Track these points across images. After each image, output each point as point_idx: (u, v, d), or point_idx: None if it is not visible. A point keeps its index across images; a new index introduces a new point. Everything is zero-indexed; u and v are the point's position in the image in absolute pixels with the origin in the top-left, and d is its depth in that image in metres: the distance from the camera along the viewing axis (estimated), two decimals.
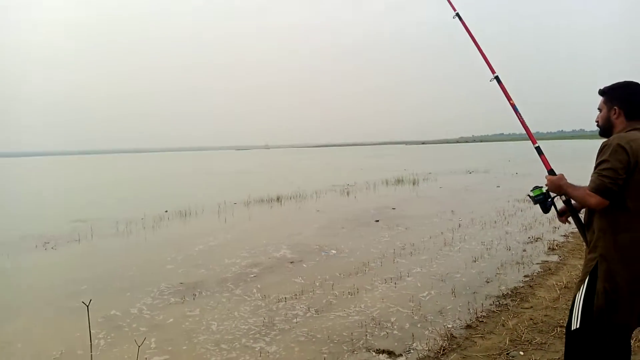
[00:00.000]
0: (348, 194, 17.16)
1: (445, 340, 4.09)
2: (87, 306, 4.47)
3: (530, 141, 3.11)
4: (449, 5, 3.67)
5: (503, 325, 4.34)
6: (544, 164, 2.87)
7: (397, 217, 11.14)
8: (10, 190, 27.16)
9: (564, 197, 2.64)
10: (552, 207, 2.75)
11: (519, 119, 3.12)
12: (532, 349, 3.80)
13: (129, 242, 9.63)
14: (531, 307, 4.79)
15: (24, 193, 24.01)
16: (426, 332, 4.34)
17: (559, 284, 5.38)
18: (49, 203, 18.35)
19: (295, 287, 5.95)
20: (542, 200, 2.76)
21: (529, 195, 2.85)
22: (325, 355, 3.97)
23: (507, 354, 3.74)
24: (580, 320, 2.42)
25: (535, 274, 6.05)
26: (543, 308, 4.71)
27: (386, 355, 3.91)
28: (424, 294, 5.45)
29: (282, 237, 9.27)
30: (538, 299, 5.02)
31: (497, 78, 3.23)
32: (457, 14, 3.55)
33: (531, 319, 4.41)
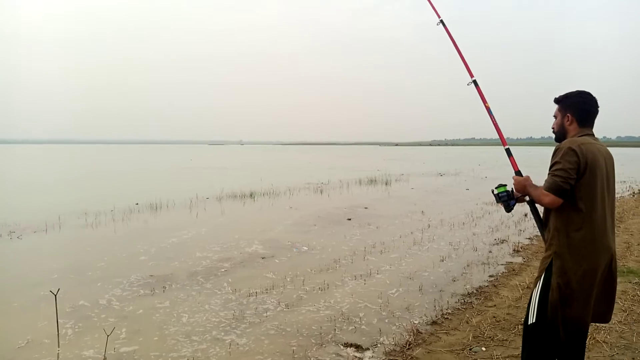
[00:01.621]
0: (321, 192, 17.25)
1: (411, 335, 4.22)
2: (55, 295, 4.45)
3: (501, 145, 3.26)
4: (433, 11, 3.79)
5: (467, 322, 4.49)
6: (512, 165, 3.01)
7: (369, 216, 11.29)
8: None
9: (527, 198, 2.78)
10: (514, 206, 2.87)
11: (492, 121, 3.26)
12: (494, 345, 3.95)
13: (97, 233, 9.47)
14: (494, 305, 4.97)
15: None
16: (393, 328, 4.46)
17: (521, 284, 5.58)
18: (16, 192, 17.82)
19: (266, 281, 5.99)
20: (506, 199, 2.87)
21: (492, 192, 2.96)
22: (294, 348, 4.05)
23: (470, 349, 3.88)
24: (537, 314, 2.57)
25: (499, 274, 6.26)
26: (506, 307, 4.89)
27: (354, 349, 4.01)
28: (393, 291, 5.58)
29: (255, 232, 9.29)
30: (501, 298, 5.21)
31: (474, 82, 3.37)
32: (442, 21, 3.67)
33: (494, 317, 4.58)
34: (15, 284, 5.97)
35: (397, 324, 4.54)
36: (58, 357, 3.91)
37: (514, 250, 7.59)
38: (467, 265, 6.69)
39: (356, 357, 3.85)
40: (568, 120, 2.71)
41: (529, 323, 2.62)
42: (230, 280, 6.09)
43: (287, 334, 4.37)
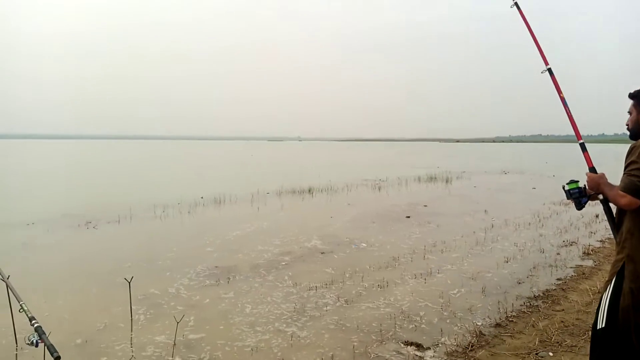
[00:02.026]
0: (379, 189, 17.17)
1: (474, 337, 4.14)
2: (129, 283, 4.73)
3: (570, 142, 3.12)
4: None
5: (533, 326, 4.35)
6: (587, 160, 2.84)
7: (429, 214, 11.12)
8: (44, 171, 28.25)
9: (601, 196, 2.60)
10: (585, 204, 2.71)
11: (567, 113, 3.03)
12: (562, 350, 3.81)
13: (166, 225, 9.97)
14: (563, 310, 4.77)
15: (55, 174, 24.98)
16: (455, 328, 4.39)
17: (592, 288, 5.32)
18: (84, 184, 19.05)
19: (325, 276, 6.07)
20: (577, 196, 2.73)
21: (563, 188, 2.82)
22: (354, 343, 4.08)
23: (537, 354, 3.76)
24: (606, 320, 2.44)
25: (568, 277, 5.99)
26: (575, 312, 4.68)
27: (414, 348, 3.98)
28: (454, 291, 5.48)
29: (313, 228, 9.41)
30: (570, 302, 4.99)
31: (549, 70, 3.17)
32: (516, 3, 3.46)
33: (562, 322, 4.41)
34: (93, 271, 6.39)
35: (459, 325, 4.46)
36: (132, 340, 4.16)
37: (584, 253, 7.23)
38: (533, 268, 6.45)
39: (417, 355, 3.83)
40: None
41: (597, 328, 2.49)
42: (290, 273, 6.22)
43: (347, 329, 4.41)
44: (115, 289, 5.33)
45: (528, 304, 5.04)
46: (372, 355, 3.85)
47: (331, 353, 3.88)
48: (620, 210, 2.53)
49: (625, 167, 2.42)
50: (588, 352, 3.71)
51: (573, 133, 3.09)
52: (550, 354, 3.76)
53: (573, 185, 2.76)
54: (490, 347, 3.95)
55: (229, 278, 5.99)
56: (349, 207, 12.68)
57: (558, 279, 5.92)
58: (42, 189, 17.39)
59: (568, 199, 2.79)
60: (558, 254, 7.23)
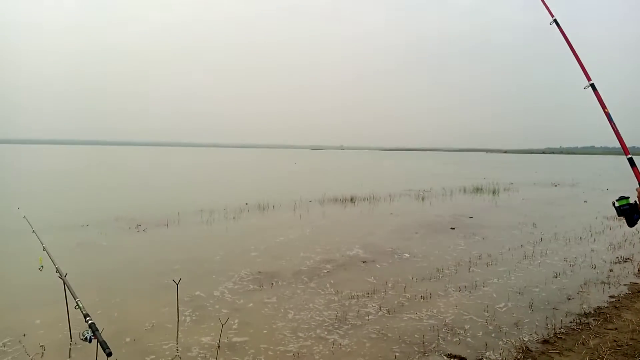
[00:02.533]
0: (423, 199, 16.95)
1: (520, 352, 4.03)
2: (177, 284, 4.90)
3: (623, 154, 3.04)
4: (546, 11, 3.64)
5: (583, 344, 4.19)
6: (636, 176, 2.83)
7: (474, 226, 10.88)
8: (87, 174, 29.48)
9: None
10: (639, 220, 2.71)
11: (613, 128, 3.06)
12: None
13: (212, 229, 10.23)
14: (615, 328, 4.57)
15: (97, 179, 26.04)
16: (500, 343, 4.29)
17: None
18: (131, 189, 19.79)
19: (367, 286, 6.06)
20: (628, 212, 2.73)
21: (613, 204, 2.83)
22: (396, 354, 4.06)
23: None
24: None
25: (622, 295, 5.73)
26: (629, 331, 4.47)
27: None
28: (500, 305, 5.35)
29: (356, 236, 9.41)
30: (624, 321, 4.77)
31: (592, 85, 3.19)
32: (555, 20, 3.56)
33: (615, 341, 4.22)
34: (143, 272, 6.66)
35: (504, 340, 4.36)
36: (178, 341, 4.30)
37: (639, 270, 6.89)
38: (584, 284, 6.20)
39: None
40: None
41: None
42: (332, 281, 6.25)
43: (389, 339, 4.40)
44: (163, 290, 5.53)
45: (578, 321, 4.86)
46: None
47: None
48: None
49: None
50: None
51: (629, 145, 3.02)
52: None
53: (623, 202, 2.77)
54: None
55: (271, 283, 6.08)
56: (392, 216, 12.59)
57: (611, 297, 5.67)
58: (90, 192, 18.19)
59: (619, 215, 2.79)
60: (611, 270, 6.92)
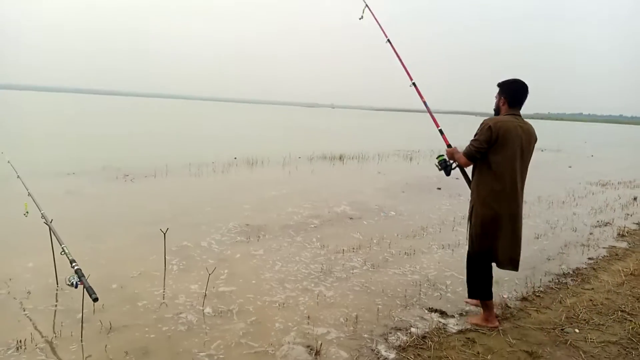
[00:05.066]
0: (411, 159, 17.03)
1: (499, 308, 4.15)
2: (164, 233, 4.91)
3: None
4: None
5: (560, 302, 4.34)
6: (444, 140, 4.04)
7: (460, 187, 10.81)
8: (74, 123, 28.98)
9: (456, 163, 3.81)
10: (451, 170, 3.87)
11: (429, 113, 4.41)
12: (589, 328, 3.80)
13: (200, 182, 10.23)
14: (592, 288, 4.73)
15: (86, 127, 25.64)
16: None
17: (625, 269, 5.24)
18: (120, 139, 19.54)
19: (353, 241, 6.14)
20: (444, 165, 3.86)
21: (435, 163, 3.99)
22: (379, 306, 4.16)
23: (562, 329, 3.76)
24: (470, 245, 3.70)
25: (600, 257, 5.89)
26: (605, 291, 4.64)
27: (438, 315, 4.03)
28: None
29: (343, 194, 9.45)
30: (600, 282, 4.94)
31: (414, 84, 4.45)
32: (388, 40, 4.63)
33: (591, 300, 4.38)
34: (129, 221, 6.65)
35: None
36: (165, 288, 4.35)
37: (619, 234, 7.06)
38: (565, 246, 6.36)
39: (440, 322, 3.88)
40: (502, 101, 3.56)
41: (468, 251, 3.76)
42: (319, 236, 6.32)
43: (372, 292, 4.49)
44: (150, 239, 5.52)
45: (557, 280, 5.01)
46: (396, 319, 3.92)
47: (355, 313, 3.97)
48: (473, 169, 3.61)
49: (474, 136, 3.47)
50: (615, 332, 3.74)
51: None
52: (577, 330, 3.75)
53: (440, 158, 3.89)
54: (515, 319, 3.97)
55: (259, 236, 6.13)
56: (380, 175, 12.66)
57: (589, 258, 5.83)
58: (77, 140, 17.93)
59: (440, 170, 3.89)
60: (591, 233, 7.09)
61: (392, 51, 4.51)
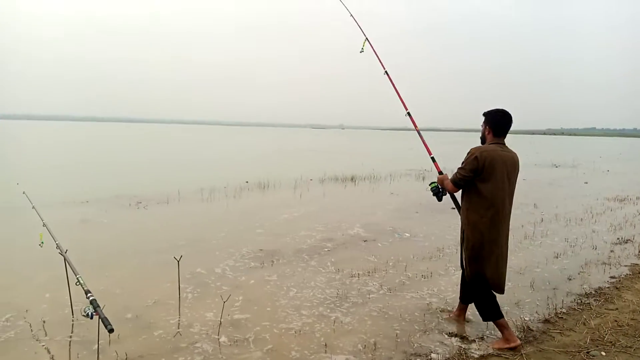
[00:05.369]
0: (424, 179, 16.91)
1: (521, 332, 4.05)
2: (178, 261, 4.89)
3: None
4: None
5: (584, 324, 4.21)
6: (436, 168, 4.32)
7: None
8: (83, 152, 29.36)
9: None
10: (442, 196, 4.09)
11: (423, 142, 4.59)
12: (615, 350, 3.67)
13: (212, 207, 10.24)
14: (616, 309, 4.59)
15: (95, 155, 25.96)
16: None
17: None
18: (130, 166, 19.68)
19: (368, 264, 6.06)
20: (436, 191, 4.10)
21: (429, 189, 4.24)
22: (397, 332, 4.08)
23: (587, 352, 3.64)
24: (461, 263, 3.98)
25: (622, 276, 5.74)
26: (630, 311, 4.49)
27: (458, 339, 3.94)
28: None
29: (356, 215, 9.40)
30: (624, 301, 4.79)
31: (409, 114, 4.77)
32: (386, 72, 4.87)
33: (616, 321, 4.24)
34: (144, 249, 6.65)
35: (505, 319, 4.36)
36: (180, 317, 4.31)
37: None
38: (585, 264, 6.21)
39: (461, 347, 3.78)
40: (487, 130, 3.76)
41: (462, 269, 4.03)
42: (333, 259, 6.26)
43: (390, 317, 4.41)
44: (164, 267, 5.51)
45: (579, 301, 4.87)
46: (415, 345, 3.83)
47: (373, 340, 3.88)
48: (462, 194, 3.83)
49: (461, 163, 3.69)
50: None
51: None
52: (603, 353, 3.63)
53: (433, 185, 4.14)
54: (538, 343, 3.85)
55: (272, 261, 6.09)
56: (393, 196, 12.59)
57: (611, 277, 5.68)
58: (86, 168, 18.09)
59: (433, 195, 4.12)
60: (612, 251, 6.93)
61: (389, 82, 4.84)
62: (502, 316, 3.76)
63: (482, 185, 3.59)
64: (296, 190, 13.12)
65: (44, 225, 4.22)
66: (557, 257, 6.54)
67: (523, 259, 6.42)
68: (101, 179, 14.71)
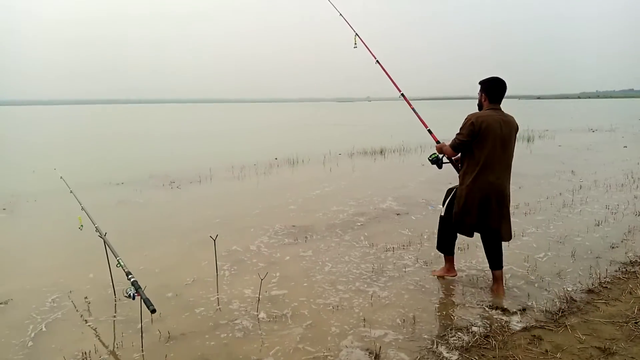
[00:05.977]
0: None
1: (564, 302, 3.95)
2: (214, 240, 4.94)
3: None
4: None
5: (630, 293, 4.08)
6: (433, 138, 4.61)
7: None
8: (114, 134, 29.87)
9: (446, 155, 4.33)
10: (442, 164, 4.41)
11: (418, 117, 4.99)
12: None
13: (244, 185, 10.32)
14: None
15: (124, 138, 26.38)
16: (543, 293, 4.20)
17: None
18: (160, 147, 19.93)
19: (402, 238, 6.01)
20: (435, 161, 4.40)
21: (428, 159, 4.50)
22: (436, 305, 4.04)
23: (635, 322, 3.52)
24: (445, 211, 4.36)
25: None
26: None
27: (500, 312, 3.86)
28: (541, 255, 5.24)
29: (387, 189, 9.31)
30: None
31: (402, 95, 5.20)
32: (377, 61, 5.26)
33: None
34: (179, 229, 6.75)
35: (547, 290, 4.27)
36: (219, 295, 4.37)
37: None
38: (629, 232, 6.00)
39: (503, 319, 3.71)
40: (483, 98, 4.01)
41: (441, 214, 4.49)
42: (366, 234, 6.23)
43: (427, 290, 4.36)
44: (201, 245, 5.59)
45: (624, 269, 4.72)
46: (455, 318, 3.78)
47: (412, 314, 3.85)
48: (461, 157, 4.12)
49: (459, 129, 3.97)
50: None
51: None
52: None
53: (433, 156, 4.41)
54: (582, 313, 3.75)
55: (306, 237, 6.10)
56: (423, 167, 12.39)
57: None
58: (121, 151, 18.45)
59: (432, 164, 4.43)
60: None
61: (382, 70, 5.27)
62: (453, 254, 4.49)
63: (477, 149, 3.89)
64: (325, 165, 13.09)
65: (82, 209, 4.31)
66: (598, 225, 6.33)
67: (563, 228, 6.25)
68: (133, 161, 14.98)
